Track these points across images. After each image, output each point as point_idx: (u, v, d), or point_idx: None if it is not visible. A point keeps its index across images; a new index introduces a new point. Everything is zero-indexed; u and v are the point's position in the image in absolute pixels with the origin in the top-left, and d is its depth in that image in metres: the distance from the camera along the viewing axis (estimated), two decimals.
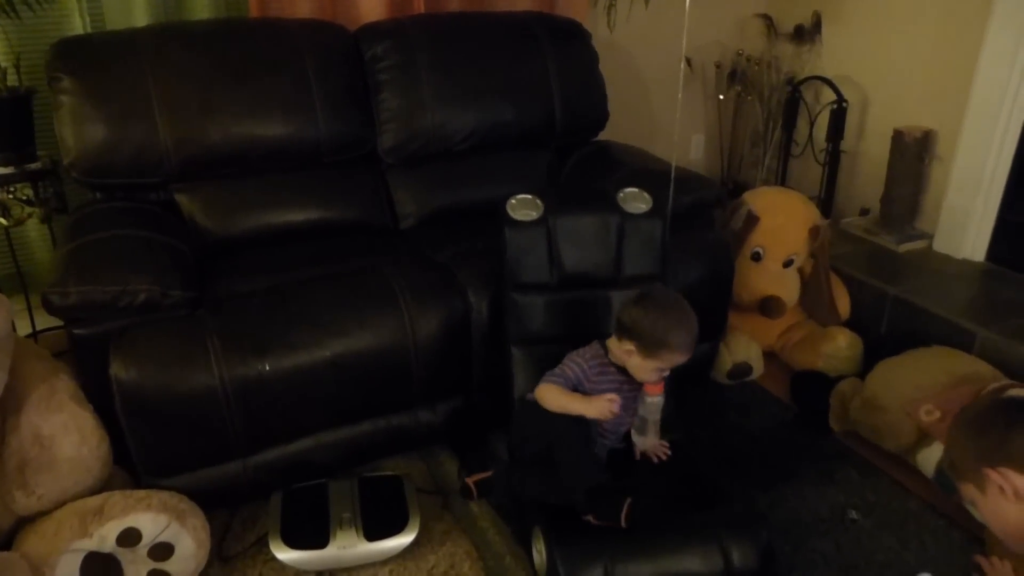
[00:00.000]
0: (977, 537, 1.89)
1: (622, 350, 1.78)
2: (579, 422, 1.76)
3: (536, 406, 1.84)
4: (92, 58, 2.14)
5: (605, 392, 1.78)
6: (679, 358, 1.76)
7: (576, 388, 1.82)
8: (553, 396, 1.80)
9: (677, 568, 1.65)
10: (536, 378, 1.94)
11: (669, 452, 1.91)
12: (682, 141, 3.57)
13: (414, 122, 2.46)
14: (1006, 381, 2.10)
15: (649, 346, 1.74)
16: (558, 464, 1.74)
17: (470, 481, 1.97)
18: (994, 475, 1.31)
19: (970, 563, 1.78)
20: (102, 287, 1.77)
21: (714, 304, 2.40)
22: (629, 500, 1.65)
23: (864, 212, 3.15)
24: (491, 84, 2.55)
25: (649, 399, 1.78)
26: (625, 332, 1.77)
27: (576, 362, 1.83)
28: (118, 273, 1.81)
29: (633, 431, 1.87)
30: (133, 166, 2.16)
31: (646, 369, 1.77)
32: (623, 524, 1.64)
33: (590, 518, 1.69)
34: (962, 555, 1.85)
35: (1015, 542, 1.40)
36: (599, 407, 1.75)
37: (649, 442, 1.86)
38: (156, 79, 2.15)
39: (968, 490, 1.40)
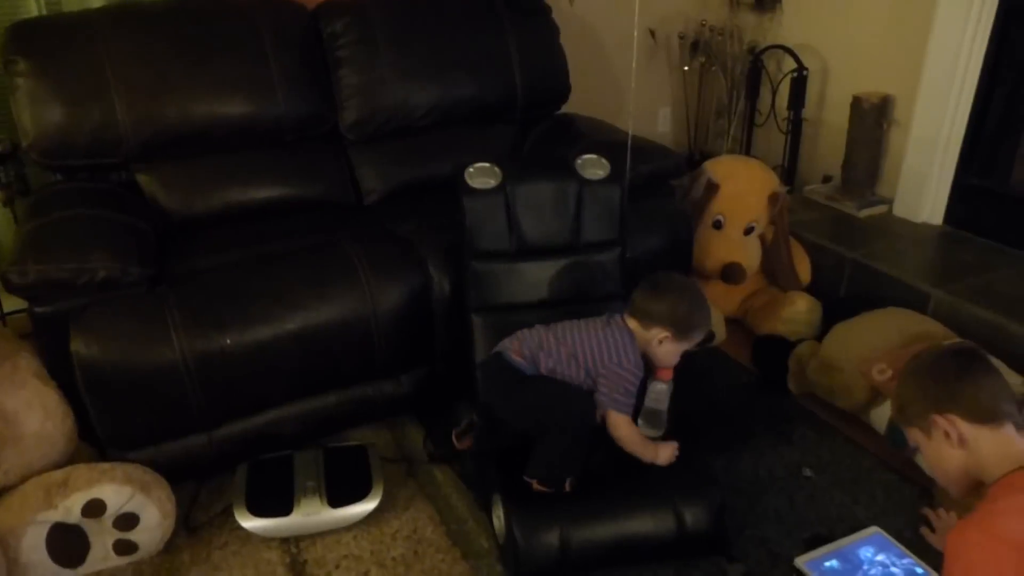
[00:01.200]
0: (927, 491, 1.95)
1: (655, 339, 1.80)
2: (593, 417, 1.78)
3: (555, 385, 1.79)
4: (47, 40, 2.15)
5: None
6: (703, 335, 1.85)
7: None
8: (634, 440, 1.79)
9: (631, 531, 1.69)
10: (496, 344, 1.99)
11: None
12: (648, 114, 3.60)
13: (375, 98, 2.48)
14: (957, 340, 2.16)
15: (685, 330, 1.81)
16: (550, 441, 1.74)
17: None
18: (941, 421, 1.36)
19: (919, 516, 1.86)
20: (60, 265, 1.80)
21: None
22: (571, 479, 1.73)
23: (827, 179, 3.19)
24: (451, 59, 2.57)
25: (660, 385, 1.86)
26: (658, 321, 1.79)
27: (630, 371, 1.78)
28: (77, 251, 1.83)
29: (642, 422, 1.89)
30: (92, 147, 2.17)
31: (676, 353, 1.84)
32: (567, 489, 1.72)
33: (533, 483, 1.73)
34: (912, 508, 1.91)
35: (954, 487, 1.46)
36: (667, 455, 1.79)
37: (658, 433, 1.89)
38: (112, 60, 2.16)
39: (914, 435, 1.45)
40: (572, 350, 1.80)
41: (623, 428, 1.79)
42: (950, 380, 1.40)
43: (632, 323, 1.83)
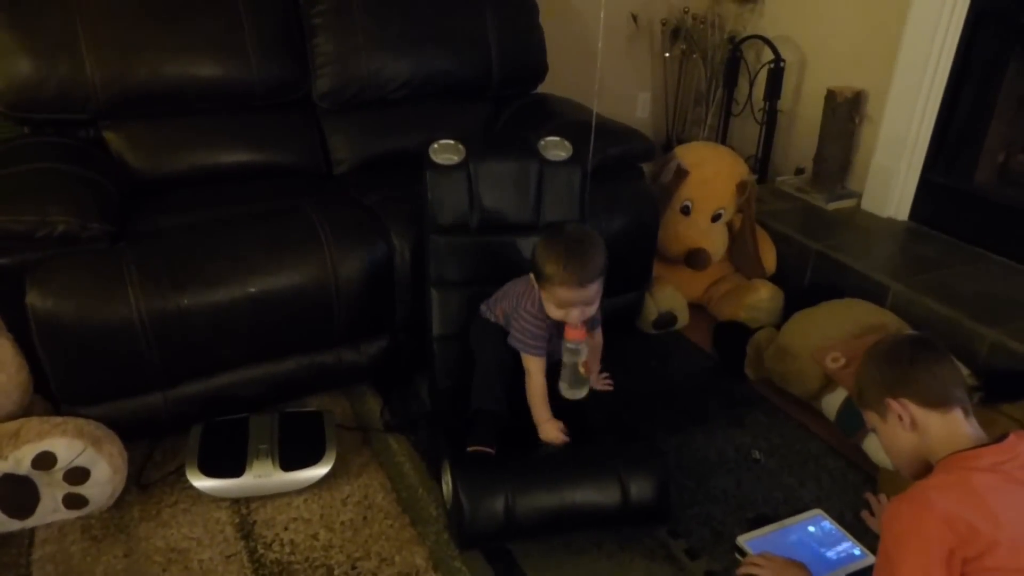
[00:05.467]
0: (871, 477, 1.99)
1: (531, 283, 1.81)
2: (508, 355, 1.86)
3: (479, 324, 1.95)
4: None
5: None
6: (567, 293, 1.70)
7: None
8: (534, 391, 1.85)
9: (576, 499, 1.71)
10: (455, 319, 2.01)
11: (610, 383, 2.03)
12: (628, 99, 3.61)
13: (349, 68, 2.47)
14: (910, 331, 2.19)
15: (540, 275, 1.74)
16: (477, 371, 1.91)
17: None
18: (895, 404, 1.41)
19: (861, 500, 1.89)
20: (19, 217, 1.79)
21: (639, 254, 2.46)
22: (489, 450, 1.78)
23: (800, 171, 3.22)
24: (427, 32, 2.56)
25: (568, 344, 1.78)
26: (531, 264, 1.79)
27: (530, 316, 1.81)
28: (36, 204, 1.83)
29: (561, 385, 1.85)
30: (59, 102, 2.16)
31: (549, 305, 1.77)
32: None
33: (472, 448, 1.77)
34: (855, 493, 1.94)
35: (906, 468, 1.50)
36: (547, 430, 1.83)
37: (578, 395, 1.85)
38: (83, 14, 2.15)
39: (871, 418, 1.50)
40: (497, 298, 1.94)
41: (532, 374, 1.86)
42: (904, 366, 1.44)
43: None
